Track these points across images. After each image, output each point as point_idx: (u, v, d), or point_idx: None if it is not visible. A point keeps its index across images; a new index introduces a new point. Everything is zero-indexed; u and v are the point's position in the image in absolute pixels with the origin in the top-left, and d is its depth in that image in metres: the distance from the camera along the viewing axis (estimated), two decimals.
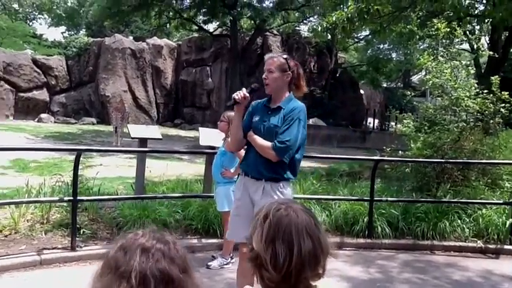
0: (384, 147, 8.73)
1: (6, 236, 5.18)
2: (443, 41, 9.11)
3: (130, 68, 24.40)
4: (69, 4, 39.38)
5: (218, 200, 5.11)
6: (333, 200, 6.61)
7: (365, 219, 6.16)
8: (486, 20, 12.61)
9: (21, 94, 22.48)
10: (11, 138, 15.11)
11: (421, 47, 20.16)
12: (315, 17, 25.36)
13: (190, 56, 26.13)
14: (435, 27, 8.69)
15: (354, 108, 26.92)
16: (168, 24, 25.75)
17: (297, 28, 28.02)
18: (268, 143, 3.36)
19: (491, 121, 7.58)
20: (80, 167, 5.44)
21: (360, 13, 9.87)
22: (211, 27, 25.85)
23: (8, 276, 4.51)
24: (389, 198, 6.60)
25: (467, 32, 12.19)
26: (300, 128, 3.36)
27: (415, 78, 34.13)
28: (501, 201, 6.63)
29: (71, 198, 5.19)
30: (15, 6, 37.99)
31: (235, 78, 22.93)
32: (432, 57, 8.39)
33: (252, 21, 25.08)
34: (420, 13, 12.23)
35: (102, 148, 12.21)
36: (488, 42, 15.85)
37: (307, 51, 26.89)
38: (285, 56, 3.50)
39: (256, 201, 3.37)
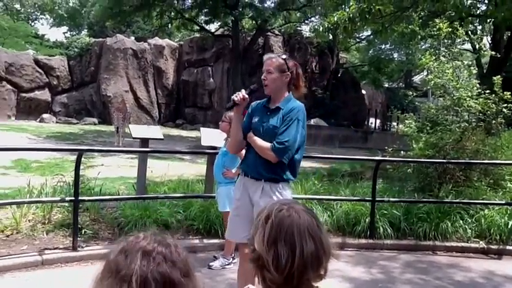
0: (386, 148, 8.71)
1: (8, 236, 5.18)
2: (445, 41, 9.10)
3: (132, 68, 24.42)
4: (71, 4, 39.45)
5: (220, 200, 5.11)
6: (334, 200, 6.60)
7: (367, 220, 6.15)
8: (488, 20, 12.59)
9: (23, 94, 22.52)
10: (13, 139, 15.14)
11: (423, 47, 20.14)
12: (317, 17, 25.36)
13: (192, 56, 26.14)
14: (437, 27, 8.68)
15: (355, 109, 26.91)
16: (169, 25, 25.76)
17: (299, 28, 28.01)
18: (267, 144, 3.35)
19: (494, 121, 7.56)
20: (81, 167, 5.45)
21: (361, 13, 9.85)
22: (212, 27, 25.93)
23: (10, 276, 4.51)
24: (391, 199, 6.58)
25: (469, 32, 12.16)
26: (298, 128, 3.35)
27: (416, 79, 34.12)
28: (503, 202, 6.61)
29: (73, 198, 5.19)
30: (17, 6, 38.08)
31: (237, 79, 22.94)
32: (434, 58, 8.37)
33: (254, 22, 25.08)
34: (422, 13, 12.21)
35: (103, 148, 12.24)
36: (490, 42, 15.83)
37: (308, 51, 26.88)
38: (283, 57, 3.49)
39: (256, 201, 3.37)
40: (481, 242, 6.06)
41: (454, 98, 7.60)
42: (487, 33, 16.62)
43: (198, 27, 25.37)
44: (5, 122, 20.43)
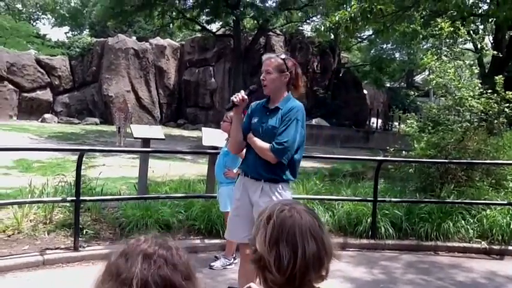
0: (387, 148, 8.70)
1: (9, 236, 5.18)
2: (447, 40, 9.07)
3: (134, 68, 24.44)
4: (72, 4, 39.47)
5: (221, 200, 5.11)
6: (336, 200, 6.59)
7: (368, 220, 6.14)
8: (490, 20, 12.55)
9: (25, 94, 22.54)
10: (15, 139, 15.16)
11: (425, 47, 20.12)
12: (318, 16, 25.36)
13: (193, 56, 26.14)
14: (439, 26, 8.66)
15: (357, 108, 26.88)
16: (171, 24, 25.78)
17: (300, 28, 28.01)
18: (266, 145, 3.34)
19: (496, 121, 7.54)
20: (83, 167, 5.45)
21: (363, 13, 9.84)
22: (214, 27, 25.93)
23: (11, 276, 4.51)
24: (392, 199, 6.57)
25: (471, 32, 12.13)
26: (297, 128, 3.34)
27: (418, 78, 34.08)
28: (505, 202, 6.59)
29: (74, 198, 5.19)
30: (19, 6, 38.13)
31: (238, 78, 22.94)
32: (436, 57, 8.36)
33: (255, 21, 25.08)
34: (424, 12, 12.20)
35: (105, 148, 12.24)
36: (492, 41, 15.77)
37: (310, 51, 26.87)
38: (282, 57, 3.48)
39: (255, 201, 3.36)
40: (483, 243, 6.05)
41: (456, 97, 7.58)
42: (489, 33, 16.57)
43: (199, 27, 25.36)
44: (6, 122, 20.45)
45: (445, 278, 5.10)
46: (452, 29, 8.60)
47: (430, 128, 7.73)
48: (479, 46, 13.52)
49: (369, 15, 9.91)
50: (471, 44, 15.28)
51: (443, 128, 7.56)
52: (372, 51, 30.22)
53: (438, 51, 9.11)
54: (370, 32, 22.69)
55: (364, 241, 6.03)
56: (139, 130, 6.84)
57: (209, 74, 25.65)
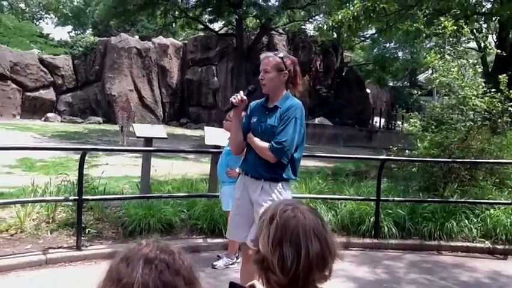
0: (391, 147, 8.68)
1: (12, 235, 5.19)
2: (450, 39, 9.05)
3: (136, 67, 24.46)
4: (75, 3, 39.53)
5: (223, 199, 5.10)
6: (339, 199, 6.57)
7: (371, 219, 6.12)
8: (493, 18, 12.53)
9: (28, 93, 22.58)
10: (18, 138, 15.19)
11: (428, 46, 20.06)
12: (321, 15, 25.33)
13: (196, 55, 26.15)
14: (442, 25, 8.63)
15: (360, 107, 26.84)
16: (173, 24, 25.80)
17: (303, 27, 27.98)
18: (266, 145, 3.33)
19: (499, 120, 7.51)
20: (85, 166, 5.45)
21: (366, 11, 9.82)
22: (216, 26, 25.86)
23: (14, 275, 4.52)
24: (396, 198, 6.56)
25: (475, 30, 12.09)
26: (296, 126, 3.33)
27: (421, 77, 33.96)
28: (509, 201, 6.57)
29: (77, 197, 5.20)
30: (22, 5, 38.19)
31: (241, 77, 22.93)
32: (439, 56, 8.34)
33: (258, 20, 25.06)
34: (427, 11, 12.15)
35: (107, 147, 12.23)
36: (495, 40, 15.73)
37: (313, 50, 26.84)
38: (280, 55, 3.46)
39: (255, 200, 3.35)
40: (486, 242, 6.02)
41: (459, 96, 7.55)
42: (493, 32, 16.53)
43: (202, 26, 25.38)
44: (10, 121, 20.50)
45: (448, 277, 5.08)
46: (455, 27, 8.57)
47: (433, 127, 7.71)
48: (482, 45, 13.44)
49: (371, 14, 9.89)
50: (475, 42, 15.20)
51: (446, 127, 7.53)
52: (375, 50, 30.18)
53: (441, 50, 9.09)
54: (373, 31, 22.58)
55: (367, 240, 6.02)
56: (142, 129, 6.84)
57: (212, 73, 25.65)
